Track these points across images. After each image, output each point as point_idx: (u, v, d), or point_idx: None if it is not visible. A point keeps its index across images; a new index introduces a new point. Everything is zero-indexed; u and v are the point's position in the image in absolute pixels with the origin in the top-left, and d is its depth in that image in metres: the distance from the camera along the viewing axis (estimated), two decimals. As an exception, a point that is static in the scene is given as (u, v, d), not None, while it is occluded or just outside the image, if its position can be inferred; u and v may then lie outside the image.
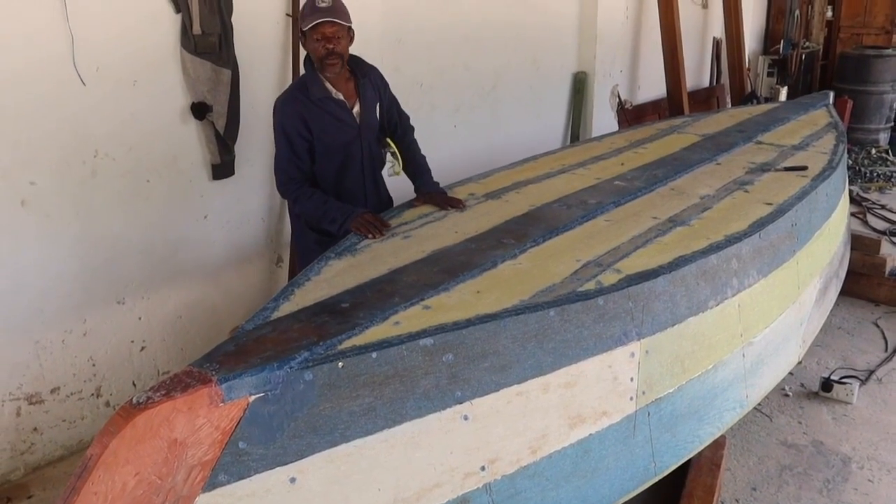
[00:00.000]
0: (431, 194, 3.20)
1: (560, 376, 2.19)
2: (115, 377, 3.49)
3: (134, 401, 1.62)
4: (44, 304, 3.18)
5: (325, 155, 3.09)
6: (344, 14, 2.94)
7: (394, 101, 3.32)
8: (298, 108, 3.00)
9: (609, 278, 2.41)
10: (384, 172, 3.36)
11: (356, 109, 3.12)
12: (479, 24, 5.12)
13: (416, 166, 3.31)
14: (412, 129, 3.40)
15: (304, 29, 2.93)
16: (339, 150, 3.10)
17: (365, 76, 3.16)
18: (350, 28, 2.99)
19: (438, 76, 4.86)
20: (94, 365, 3.40)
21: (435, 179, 3.30)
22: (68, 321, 3.28)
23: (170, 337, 3.68)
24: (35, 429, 3.24)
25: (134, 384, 3.57)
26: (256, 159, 3.90)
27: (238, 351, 1.83)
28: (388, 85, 3.29)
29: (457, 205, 3.12)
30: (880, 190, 7.35)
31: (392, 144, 3.27)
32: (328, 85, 3.04)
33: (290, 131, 3.00)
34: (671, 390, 2.52)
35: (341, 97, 3.07)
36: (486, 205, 3.17)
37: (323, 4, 2.88)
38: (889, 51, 8.85)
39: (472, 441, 2.02)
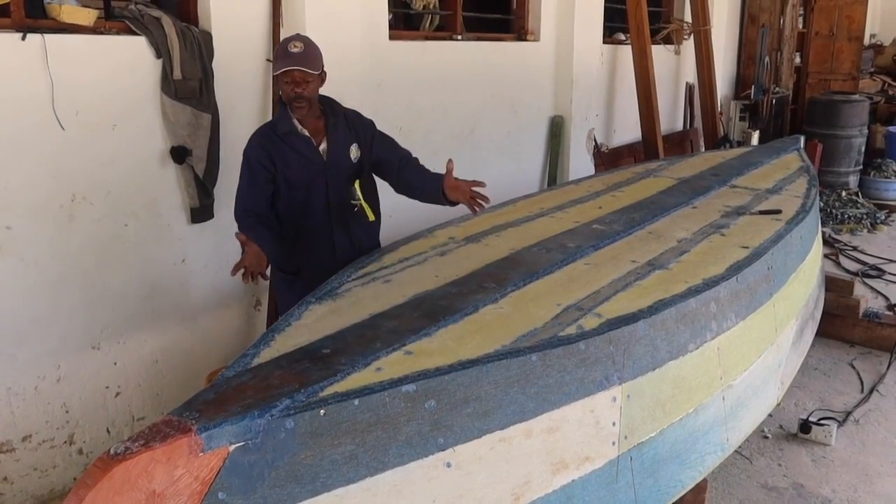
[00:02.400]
0: (452, 187, 3.08)
1: (543, 421, 2.18)
2: (88, 424, 3.43)
3: (111, 451, 1.59)
4: (17, 350, 3.13)
5: (287, 191, 3.10)
6: (314, 61, 2.98)
7: (385, 140, 3.30)
8: (264, 141, 3.05)
9: (590, 322, 2.41)
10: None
11: (322, 147, 3.12)
12: (457, 69, 5.19)
13: (423, 183, 3.23)
14: (414, 158, 3.34)
15: (275, 73, 2.97)
16: (301, 186, 3.10)
17: (336, 116, 3.17)
18: (321, 73, 3.03)
19: (417, 120, 4.90)
20: (67, 411, 3.34)
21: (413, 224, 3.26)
22: (42, 367, 3.22)
23: (145, 382, 3.63)
24: (5, 478, 3.16)
25: (108, 431, 3.50)
26: (235, 203, 3.89)
27: (218, 399, 1.81)
28: (371, 125, 3.29)
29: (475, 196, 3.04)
30: (852, 231, 7.47)
31: (358, 192, 3.22)
32: (295, 121, 3.07)
33: (253, 162, 3.04)
34: (653, 434, 2.52)
35: (306, 133, 3.09)
36: (467, 248, 3.18)
37: (294, 50, 2.92)
38: (856, 96, 9.07)
39: (455, 489, 2.00)
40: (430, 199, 3.24)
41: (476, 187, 3.06)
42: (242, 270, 2.82)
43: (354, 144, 3.20)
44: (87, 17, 3.22)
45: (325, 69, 3.05)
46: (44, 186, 3.11)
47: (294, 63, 2.91)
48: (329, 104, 3.19)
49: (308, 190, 3.12)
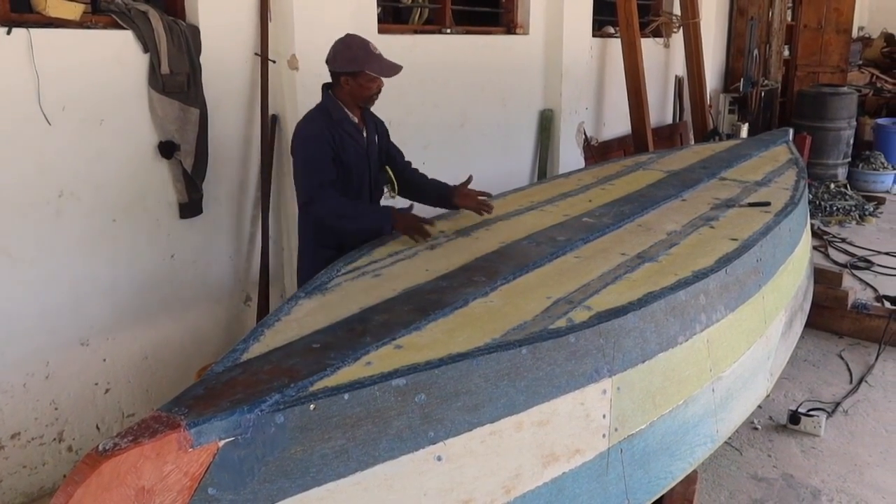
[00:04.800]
0: (463, 195, 3.50)
1: (533, 414, 2.18)
2: (78, 421, 3.41)
3: (100, 448, 1.58)
4: (5, 347, 3.11)
5: (341, 172, 3.27)
6: None
7: (391, 141, 3.57)
8: (324, 126, 3.21)
9: (580, 315, 2.42)
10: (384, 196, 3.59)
11: (365, 134, 3.37)
12: (446, 62, 5.18)
13: (427, 184, 3.59)
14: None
15: (371, 74, 3.18)
16: (352, 167, 3.30)
17: (366, 111, 3.41)
18: None
19: (407, 114, 4.89)
20: (56, 409, 3.33)
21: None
22: (30, 364, 3.21)
23: (135, 379, 3.61)
24: (-6, 476, 3.15)
25: (98, 428, 3.49)
26: (224, 198, 3.88)
27: (207, 394, 1.80)
28: (383, 122, 3.55)
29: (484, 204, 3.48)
30: (840, 223, 7.51)
31: (389, 171, 3.51)
32: (346, 109, 3.28)
33: (322, 142, 3.18)
34: (643, 426, 2.53)
35: (356, 120, 3.32)
36: (457, 242, 3.18)
37: (383, 56, 3.22)
38: (844, 89, 9.10)
39: (446, 482, 2.00)
40: (430, 202, 3.60)
41: (482, 196, 3.51)
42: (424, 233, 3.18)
43: (377, 135, 3.46)
44: (73, 11, 3.19)
45: None
46: (30, 182, 3.09)
47: (393, 72, 3.21)
48: None
49: (357, 171, 3.32)
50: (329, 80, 3.29)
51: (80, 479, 1.54)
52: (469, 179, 3.56)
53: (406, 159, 3.62)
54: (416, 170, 3.62)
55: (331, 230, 3.26)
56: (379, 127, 3.49)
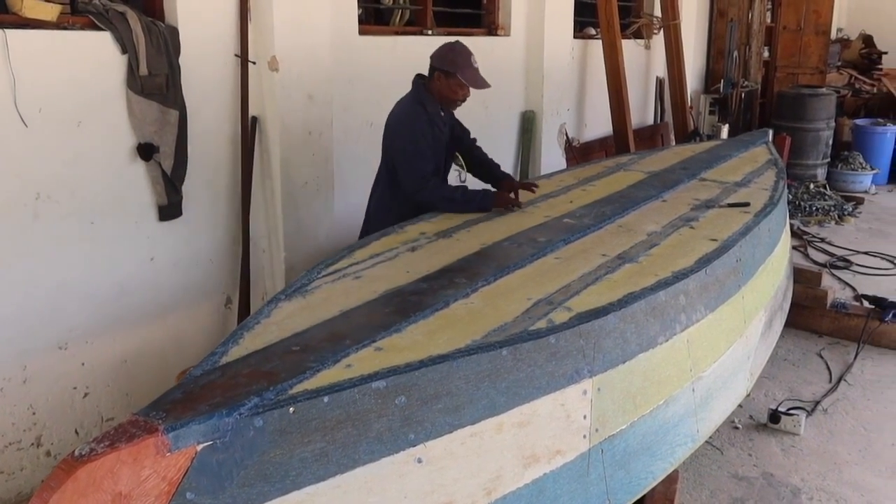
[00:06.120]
0: (506, 182, 3.94)
1: (513, 416, 2.18)
2: (56, 426, 3.38)
3: (76, 453, 1.56)
4: (-19, 352, 3.07)
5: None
6: None
7: (461, 124, 3.99)
8: (425, 119, 3.65)
9: (560, 316, 2.42)
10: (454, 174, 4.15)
11: (445, 127, 3.80)
12: (428, 64, 5.16)
13: (487, 167, 4.09)
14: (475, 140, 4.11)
15: (464, 81, 3.62)
16: (438, 154, 3.72)
17: None
18: None
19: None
20: (34, 413, 3.29)
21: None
22: (7, 368, 3.17)
23: (114, 383, 3.58)
24: (-29, 482, 3.12)
25: (77, 432, 3.46)
26: (205, 200, 3.85)
27: (185, 398, 1.79)
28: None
29: (529, 188, 3.94)
30: (820, 223, 7.58)
31: (459, 156, 4.09)
32: (437, 103, 3.71)
33: (427, 132, 3.63)
34: (624, 427, 2.54)
35: (443, 114, 3.76)
36: (437, 244, 3.18)
37: (481, 74, 3.66)
38: (823, 90, 9.18)
39: (426, 484, 2.00)
40: (485, 179, 4.13)
41: (525, 189, 3.94)
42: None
43: (452, 124, 3.89)
44: (50, 12, 3.16)
45: None
46: (7, 184, 3.05)
47: (485, 86, 3.68)
48: None
49: (437, 157, 3.72)
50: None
51: (55, 484, 1.52)
52: (530, 187, 3.98)
53: (473, 138, 4.06)
54: (479, 148, 4.09)
55: (416, 208, 3.63)
56: (453, 117, 3.89)
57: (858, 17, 13.74)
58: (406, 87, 3.82)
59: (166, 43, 3.48)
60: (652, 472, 2.73)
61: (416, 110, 3.65)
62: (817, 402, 4.07)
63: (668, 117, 8.82)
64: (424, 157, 3.61)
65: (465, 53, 3.63)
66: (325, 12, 4.23)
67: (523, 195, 3.88)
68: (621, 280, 2.78)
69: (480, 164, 4.11)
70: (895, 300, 4.99)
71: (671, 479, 2.91)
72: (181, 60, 3.58)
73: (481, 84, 3.65)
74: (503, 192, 3.79)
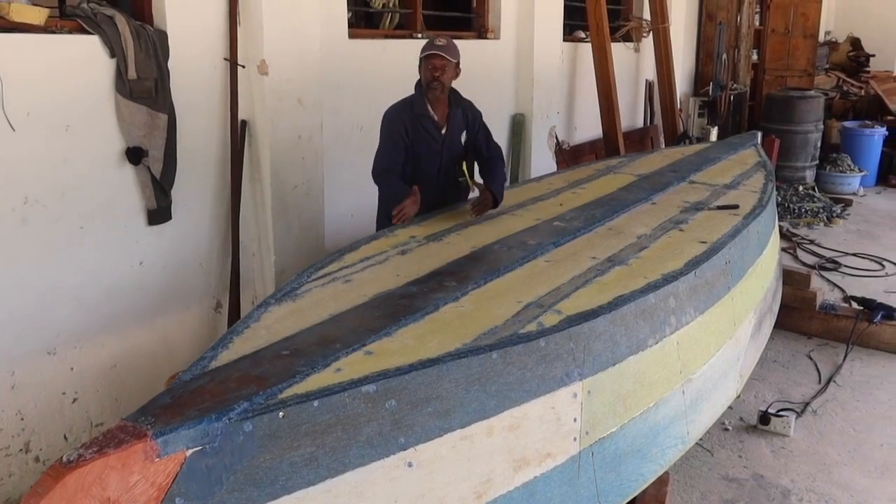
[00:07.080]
0: (485, 190, 3.81)
1: (504, 419, 2.18)
2: (45, 431, 3.36)
3: (64, 459, 1.56)
4: (-31, 357, 3.05)
5: (413, 159, 3.75)
6: (452, 52, 3.67)
7: (482, 131, 3.96)
8: (403, 117, 3.70)
9: (550, 319, 2.42)
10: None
11: (444, 130, 3.79)
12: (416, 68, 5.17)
13: (489, 174, 3.91)
14: (500, 156, 4.04)
15: (421, 56, 3.66)
16: (424, 157, 3.76)
17: (458, 107, 3.85)
18: (457, 64, 3.72)
19: (378, 119, 4.86)
20: (22, 419, 3.27)
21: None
22: (-5, 374, 3.15)
23: (103, 388, 3.56)
24: (-42, 488, 3.10)
25: (65, 438, 3.44)
26: (194, 204, 3.84)
27: (174, 403, 1.78)
28: (480, 115, 3.98)
29: (483, 209, 3.72)
30: (808, 225, 7.61)
31: (464, 168, 3.94)
32: (429, 106, 3.73)
33: (394, 132, 3.69)
34: (614, 429, 2.54)
35: (435, 117, 3.75)
36: (428, 247, 3.18)
37: (439, 42, 3.64)
38: (812, 93, 9.22)
39: (417, 488, 2.00)
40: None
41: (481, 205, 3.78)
42: (402, 213, 3.48)
43: (465, 132, 3.88)
44: (38, 16, 3.15)
45: (460, 66, 3.75)
46: (-6, 189, 3.04)
47: (436, 50, 3.60)
48: (455, 96, 3.85)
49: (426, 161, 3.78)
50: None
51: (43, 491, 1.52)
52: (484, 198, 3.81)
53: (493, 147, 4.00)
54: (491, 160, 3.96)
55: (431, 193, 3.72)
56: (471, 123, 3.90)
57: (846, 20, 13.83)
58: (395, 91, 3.84)
59: (155, 47, 3.47)
60: (642, 475, 2.73)
61: (399, 109, 3.75)
62: (807, 404, 4.09)
63: (658, 120, 8.85)
64: (382, 153, 3.74)
65: (429, 40, 3.72)
66: (315, 16, 4.23)
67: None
68: (611, 283, 2.78)
69: (483, 175, 4.00)
70: (884, 301, 5.01)
71: (662, 482, 2.93)
72: (170, 64, 3.57)
73: (427, 49, 3.65)
74: (407, 200, 3.54)
